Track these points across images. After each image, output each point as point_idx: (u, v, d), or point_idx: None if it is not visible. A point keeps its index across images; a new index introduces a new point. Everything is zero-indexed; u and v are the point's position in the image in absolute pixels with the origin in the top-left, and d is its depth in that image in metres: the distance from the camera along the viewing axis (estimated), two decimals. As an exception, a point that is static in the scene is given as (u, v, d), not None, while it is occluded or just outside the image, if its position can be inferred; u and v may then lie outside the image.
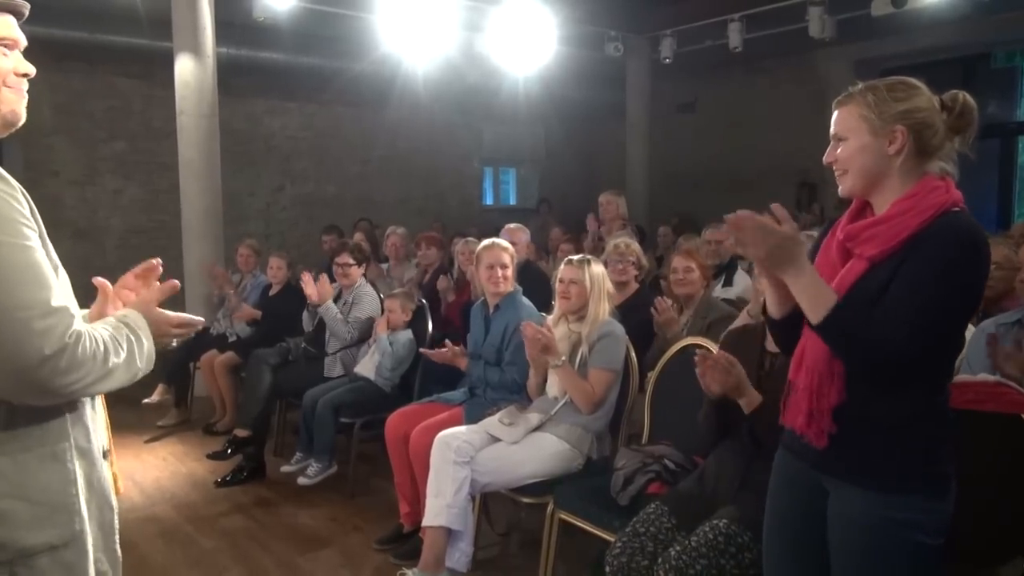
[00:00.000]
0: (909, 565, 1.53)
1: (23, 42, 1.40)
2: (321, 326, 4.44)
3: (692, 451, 2.62)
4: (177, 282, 1.56)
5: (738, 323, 2.96)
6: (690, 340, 2.98)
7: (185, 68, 5.86)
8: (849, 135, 1.58)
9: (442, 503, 2.78)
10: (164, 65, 6.22)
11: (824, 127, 1.65)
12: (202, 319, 1.61)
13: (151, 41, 6.73)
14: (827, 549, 1.62)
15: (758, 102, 9.43)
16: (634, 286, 3.90)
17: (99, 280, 1.56)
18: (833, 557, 1.61)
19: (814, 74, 8.65)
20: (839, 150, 1.60)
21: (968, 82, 8.40)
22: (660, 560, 2.05)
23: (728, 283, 4.43)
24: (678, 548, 2.04)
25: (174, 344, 1.54)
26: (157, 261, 1.58)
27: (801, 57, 8.70)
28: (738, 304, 3.70)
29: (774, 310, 1.68)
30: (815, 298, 1.48)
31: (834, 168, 1.62)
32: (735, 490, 2.22)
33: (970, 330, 2.76)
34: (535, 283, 4.03)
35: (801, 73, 8.90)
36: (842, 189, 1.63)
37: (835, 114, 1.62)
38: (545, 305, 3.39)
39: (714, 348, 2.64)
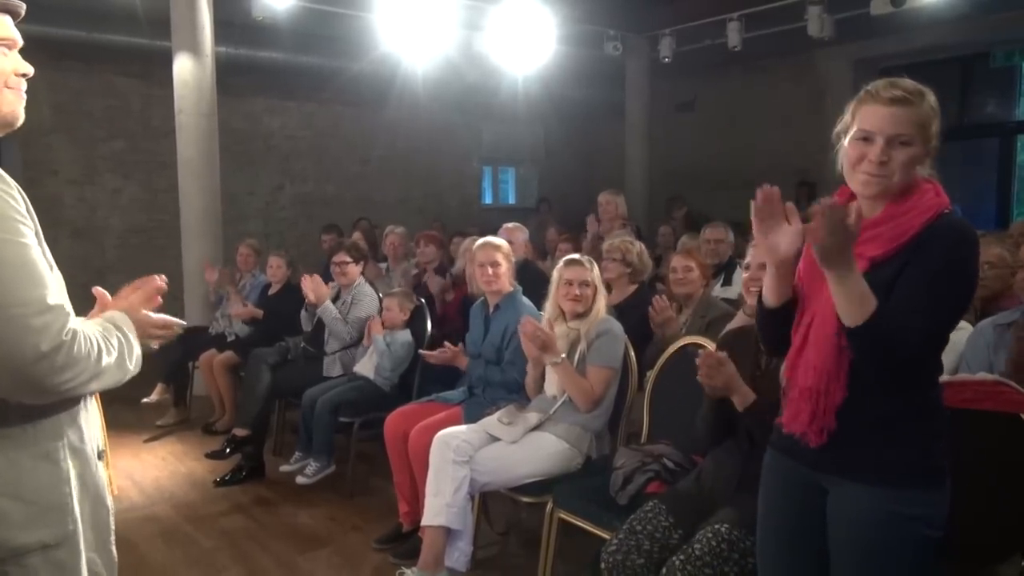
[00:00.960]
0: (912, 558, 1.55)
1: (20, 41, 1.40)
2: (320, 325, 4.44)
3: (691, 450, 2.61)
4: (164, 285, 1.55)
5: (736, 323, 2.95)
6: (689, 339, 2.98)
7: (184, 67, 5.86)
8: (915, 141, 1.52)
9: (441, 502, 2.78)
10: (163, 64, 6.21)
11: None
12: (183, 321, 1.60)
13: (150, 40, 6.72)
14: (823, 547, 1.62)
15: (757, 101, 9.42)
16: (626, 285, 3.90)
17: (99, 290, 1.57)
18: (834, 554, 1.61)
19: (813, 73, 8.65)
20: (902, 154, 1.52)
21: (967, 81, 8.40)
22: (664, 570, 2.04)
23: (727, 282, 4.44)
24: (682, 557, 2.03)
25: (154, 346, 1.53)
26: (163, 279, 1.56)
27: (800, 56, 8.68)
28: (737, 303, 3.70)
29: (771, 298, 1.66)
30: (858, 300, 1.46)
31: (876, 170, 1.52)
32: (732, 490, 2.22)
33: (967, 330, 2.76)
34: (534, 283, 4.02)
35: (800, 72, 8.90)
36: (872, 191, 1.54)
37: (899, 112, 1.52)
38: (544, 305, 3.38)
39: (713, 347, 2.65)
